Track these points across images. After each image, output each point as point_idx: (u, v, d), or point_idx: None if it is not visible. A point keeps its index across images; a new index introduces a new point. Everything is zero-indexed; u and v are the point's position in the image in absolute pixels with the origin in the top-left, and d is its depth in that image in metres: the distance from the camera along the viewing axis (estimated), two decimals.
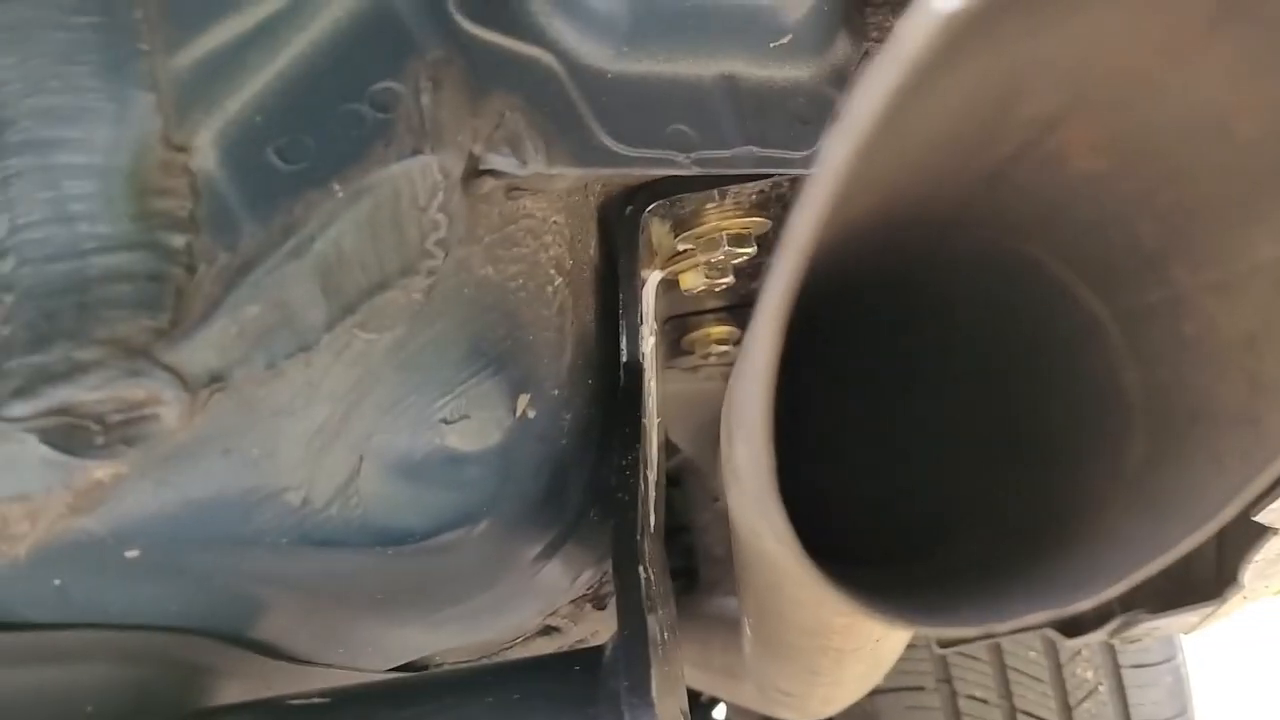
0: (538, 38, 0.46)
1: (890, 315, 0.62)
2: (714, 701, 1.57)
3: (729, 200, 0.57)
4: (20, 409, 0.37)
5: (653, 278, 0.61)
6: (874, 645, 0.57)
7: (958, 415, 0.57)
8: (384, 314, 0.43)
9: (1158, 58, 0.29)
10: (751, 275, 0.65)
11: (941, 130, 0.29)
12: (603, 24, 0.47)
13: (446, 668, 0.71)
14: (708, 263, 0.59)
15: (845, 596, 0.30)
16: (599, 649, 0.46)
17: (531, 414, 0.50)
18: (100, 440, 0.38)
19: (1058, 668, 1.29)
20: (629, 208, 0.56)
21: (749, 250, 0.58)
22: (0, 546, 0.39)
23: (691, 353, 0.72)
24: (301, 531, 0.44)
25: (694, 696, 1.45)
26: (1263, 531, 0.75)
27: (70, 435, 0.38)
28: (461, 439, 0.47)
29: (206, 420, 0.40)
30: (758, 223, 0.58)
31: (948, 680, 1.33)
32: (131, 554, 0.41)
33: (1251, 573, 0.80)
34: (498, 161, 0.44)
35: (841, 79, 0.53)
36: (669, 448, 0.87)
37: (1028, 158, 0.33)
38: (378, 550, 0.47)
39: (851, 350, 0.68)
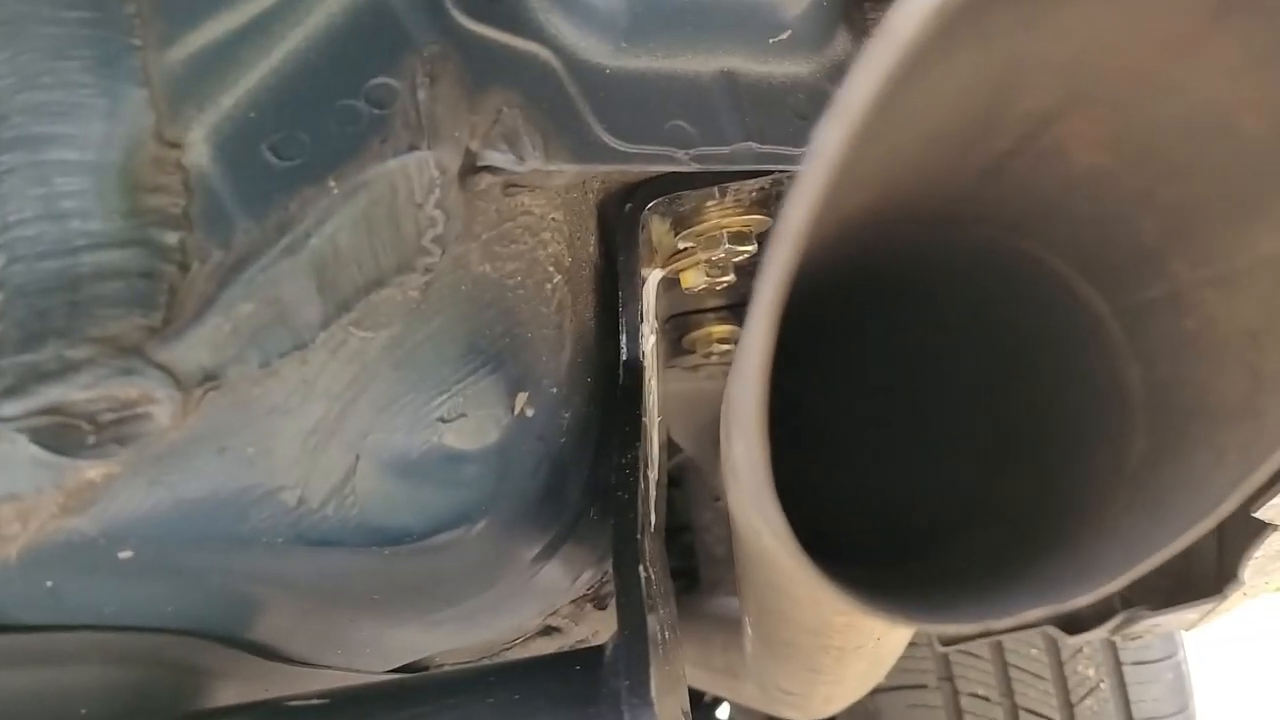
0: (535, 33, 0.46)
1: (890, 313, 0.62)
2: (717, 701, 1.57)
3: (729, 198, 0.57)
4: (11, 408, 0.37)
5: (653, 276, 0.60)
6: (875, 644, 0.57)
7: (958, 412, 0.57)
8: (380, 311, 0.43)
9: (1158, 52, 0.28)
10: (753, 273, 0.65)
11: (938, 123, 0.29)
12: (601, 20, 0.47)
13: (446, 668, 0.71)
14: (708, 261, 0.58)
15: (842, 593, 0.30)
16: (599, 648, 0.46)
17: (530, 412, 0.50)
18: (92, 439, 0.38)
19: (1059, 665, 1.29)
20: (628, 205, 0.56)
21: (750, 248, 0.57)
22: None
23: (693, 352, 0.72)
24: (297, 531, 0.43)
25: (697, 696, 1.45)
26: (1263, 528, 0.75)
27: (62, 434, 0.38)
28: (459, 437, 0.47)
29: (200, 419, 0.39)
30: (758, 220, 0.58)
31: (949, 678, 1.33)
32: (125, 554, 0.41)
33: (1252, 569, 0.79)
34: (495, 158, 0.44)
35: (841, 75, 0.53)
36: (670, 447, 0.87)
37: (1026, 152, 0.33)
38: (374, 550, 0.46)
39: (852, 349, 0.67)
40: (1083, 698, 1.28)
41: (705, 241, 0.58)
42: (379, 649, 0.60)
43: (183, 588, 0.44)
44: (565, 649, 0.81)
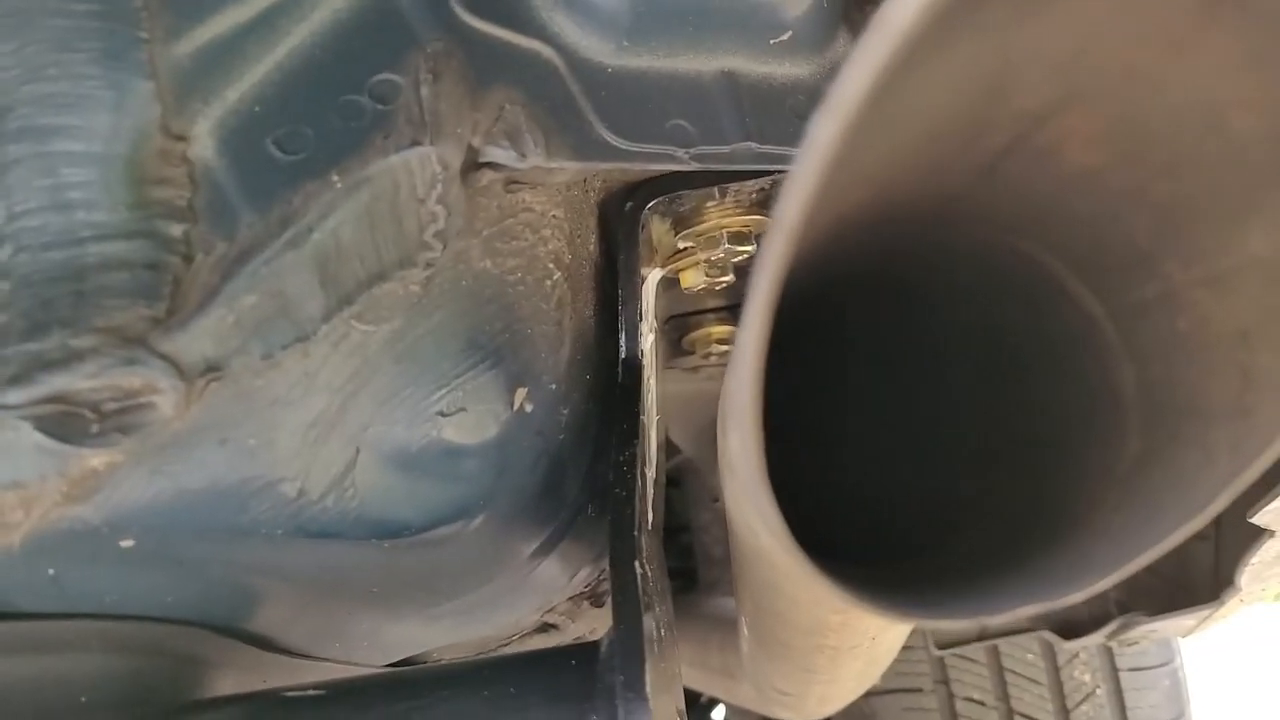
0: (538, 31, 0.47)
1: (885, 312, 0.62)
2: (713, 702, 1.57)
3: (729, 198, 0.57)
4: (16, 396, 0.37)
5: (653, 275, 0.61)
6: (870, 644, 0.57)
7: (951, 411, 0.57)
8: (381, 305, 0.43)
9: (1152, 51, 0.29)
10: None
11: (933, 122, 0.29)
12: (604, 19, 0.47)
13: (443, 662, 0.71)
14: (708, 260, 0.59)
15: (837, 588, 0.30)
16: (595, 644, 0.46)
17: (529, 408, 0.50)
18: (96, 428, 0.38)
19: (1055, 670, 1.29)
20: (629, 204, 0.56)
21: (749, 248, 0.58)
22: None
23: (692, 352, 0.72)
24: (297, 523, 0.43)
25: (693, 697, 1.45)
26: (1260, 534, 0.75)
27: (66, 423, 0.38)
28: (458, 432, 0.47)
29: (203, 409, 0.40)
30: (758, 221, 0.58)
31: (945, 682, 1.33)
32: (126, 543, 0.41)
33: (1249, 575, 0.80)
34: (497, 154, 0.44)
35: None
36: (669, 448, 0.87)
37: (1020, 151, 0.33)
38: (373, 543, 0.47)
39: (847, 347, 0.68)
40: (1079, 703, 1.28)
41: (705, 241, 0.58)
42: (377, 642, 0.60)
43: (183, 577, 0.45)
44: (560, 645, 0.81)
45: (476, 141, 0.44)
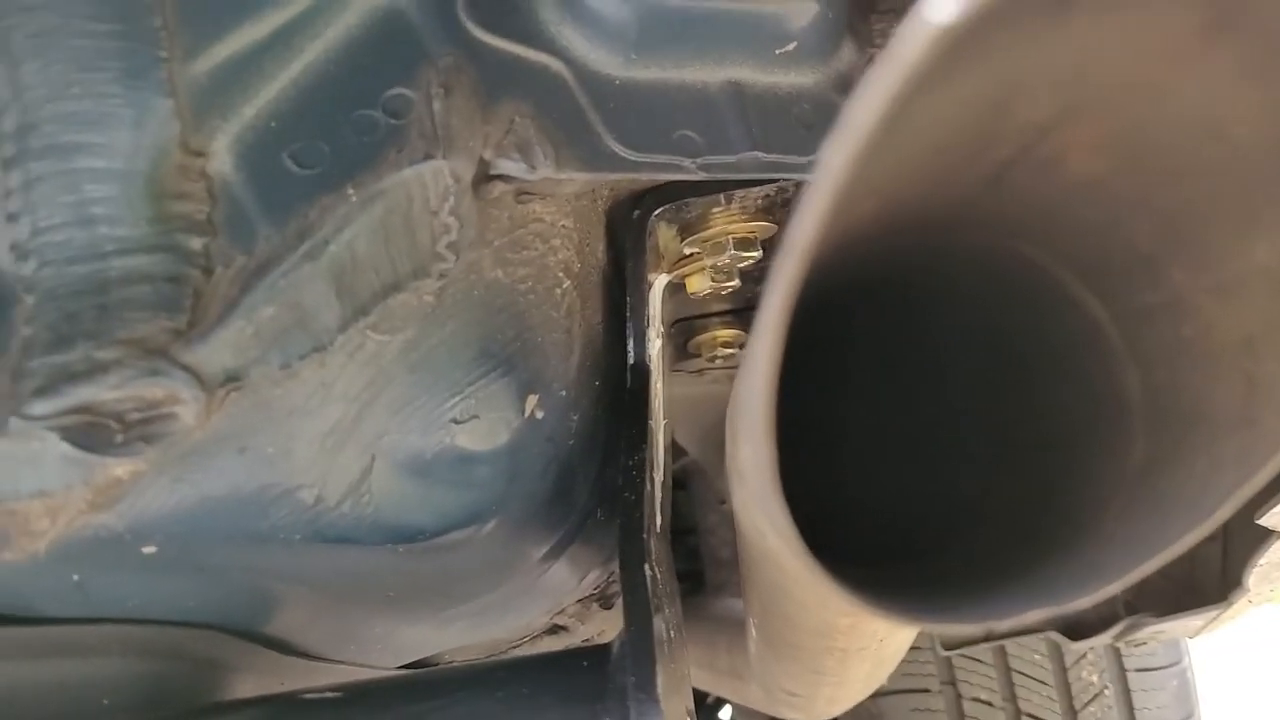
0: (547, 45, 0.47)
1: (889, 317, 0.62)
2: (720, 703, 1.58)
3: (735, 205, 0.58)
4: (42, 407, 0.38)
5: (659, 281, 0.61)
6: (878, 645, 0.57)
7: (958, 416, 0.57)
8: (396, 316, 0.44)
9: (1154, 65, 0.29)
10: (757, 279, 0.66)
11: (939, 135, 0.30)
12: (611, 31, 0.48)
13: (457, 663, 0.72)
14: (714, 266, 0.59)
15: (846, 593, 0.31)
16: (606, 646, 0.47)
17: (540, 415, 0.51)
18: (120, 438, 0.39)
19: (1063, 671, 1.29)
20: (636, 212, 0.57)
21: (755, 254, 0.58)
22: (21, 543, 0.40)
23: (698, 355, 0.73)
24: (315, 529, 0.44)
25: (700, 698, 1.45)
26: (1267, 535, 0.76)
27: (90, 433, 0.39)
28: (471, 439, 0.48)
29: (223, 419, 0.41)
30: (763, 227, 0.59)
31: (952, 683, 1.33)
32: (149, 550, 0.42)
33: (1256, 576, 0.80)
34: (508, 166, 0.45)
35: (846, 85, 0.54)
36: (675, 450, 0.88)
37: (1025, 161, 0.33)
38: (388, 548, 0.47)
39: (853, 353, 0.68)
40: (1086, 704, 1.28)
41: (711, 247, 0.59)
42: (391, 645, 0.61)
43: (203, 583, 0.46)
44: (572, 647, 0.82)
45: (488, 154, 0.45)
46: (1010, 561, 0.40)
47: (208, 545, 0.43)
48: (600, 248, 0.58)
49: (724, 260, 0.59)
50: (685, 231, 0.59)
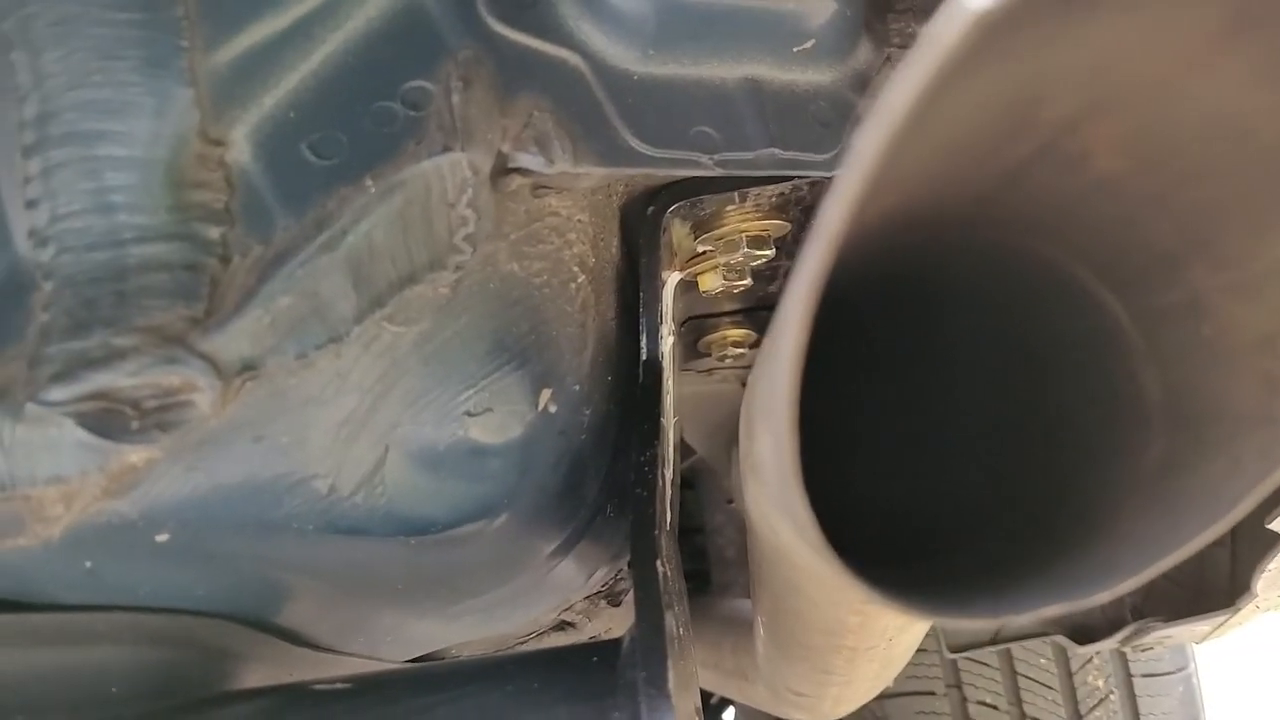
0: (566, 39, 0.47)
1: (908, 314, 0.62)
2: (724, 704, 1.57)
3: (749, 202, 0.58)
4: (59, 393, 0.38)
5: (672, 278, 0.61)
6: (887, 645, 0.57)
7: (974, 413, 0.57)
8: (412, 307, 0.44)
9: (1176, 64, 0.29)
10: (769, 278, 0.66)
11: (963, 130, 0.30)
12: (629, 27, 0.48)
13: (466, 657, 0.72)
14: (726, 264, 0.59)
15: (863, 585, 0.31)
16: (616, 641, 0.47)
17: (553, 409, 0.51)
18: (136, 425, 0.39)
19: (1068, 675, 1.29)
20: (651, 208, 0.57)
21: (768, 252, 0.58)
22: (35, 528, 0.40)
23: (708, 355, 0.73)
24: (328, 519, 0.44)
25: (705, 698, 1.45)
26: (1276, 539, 0.75)
27: (107, 420, 0.39)
28: (484, 431, 0.48)
29: (238, 408, 0.41)
30: (777, 225, 0.59)
31: (958, 685, 1.33)
32: (162, 538, 0.42)
33: (1265, 581, 0.80)
34: (525, 160, 0.45)
35: (863, 84, 0.54)
36: (683, 450, 0.88)
37: (1048, 158, 0.33)
38: (400, 539, 0.47)
39: (869, 349, 0.68)
40: (1092, 708, 1.28)
41: (724, 245, 0.59)
42: (400, 638, 0.61)
43: (215, 571, 0.46)
44: (582, 642, 0.82)
45: (506, 147, 0.45)
46: (1024, 559, 0.40)
47: (220, 533, 0.43)
48: (614, 243, 0.58)
49: (737, 258, 0.59)
50: (699, 229, 0.60)
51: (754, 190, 0.56)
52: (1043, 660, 1.29)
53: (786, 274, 0.66)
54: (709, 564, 1.20)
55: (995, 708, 1.31)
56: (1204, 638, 0.94)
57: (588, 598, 0.78)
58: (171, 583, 0.45)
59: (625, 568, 0.77)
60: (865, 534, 0.60)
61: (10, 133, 0.40)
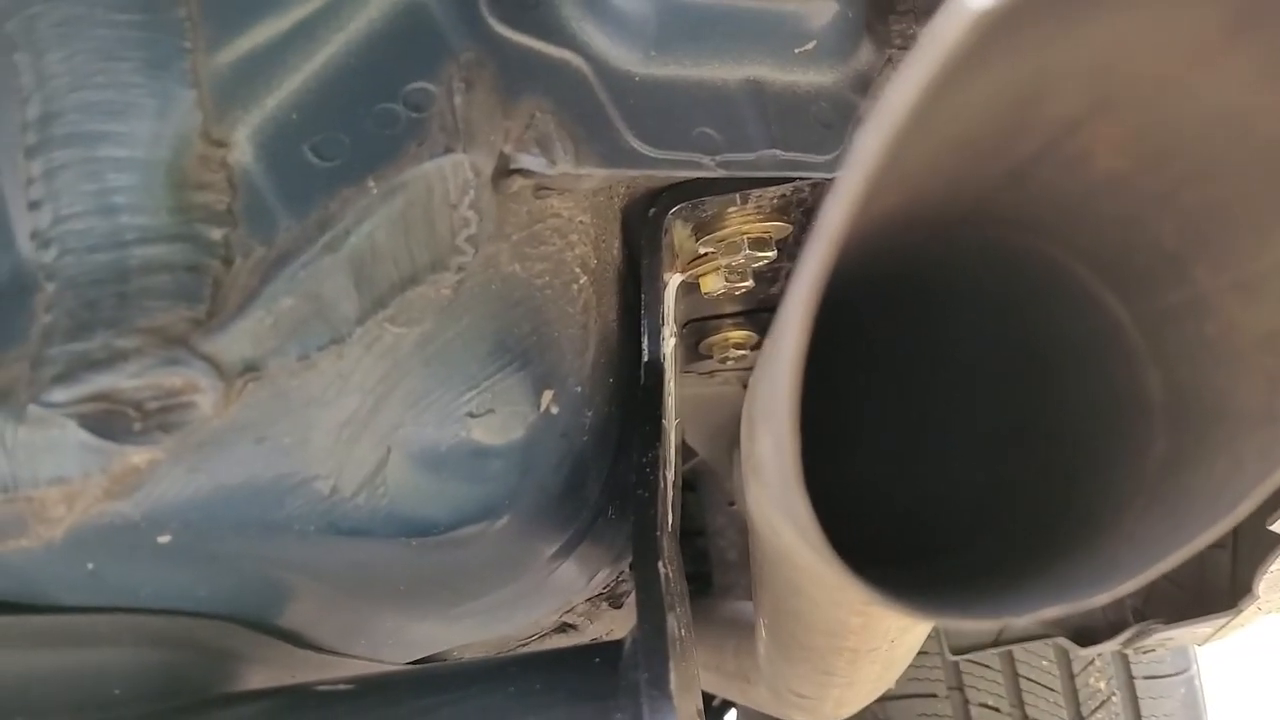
0: (568, 41, 0.47)
1: (909, 315, 0.62)
2: (725, 706, 1.57)
3: (750, 204, 0.58)
4: (61, 394, 0.38)
5: (674, 280, 0.61)
6: (889, 646, 0.57)
7: (976, 413, 0.57)
8: (414, 308, 0.44)
9: (1178, 62, 0.29)
10: (771, 280, 0.66)
11: (967, 129, 0.30)
12: (631, 28, 0.48)
13: (469, 659, 0.72)
14: (728, 266, 0.59)
15: (864, 587, 0.31)
16: (619, 643, 0.47)
17: (555, 410, 0.51)
18: (138, 426, 0.39)
19: (1070, 677, 1.29)
20: (652, 210, 0.57)
21: (769, 254, 0.58)
22: (38, 530, 0.40)
23: (709, 356, 0.73)
24: (329, 520, 0.44)
25: (706, 700, 1.45)
26: (1278, 542, 0.75)
27: (109, 421, 0.39)
28: (486, 433, 0.48)
29: (241, 409, 0.41)
30: (778, 227, 0.59)
31: (960, 688, 1.33)
32: (164, 539, 0.42)
33: (1266, 583, 0.79)
34: (527, 161, 0.45)
35: (864, 85, 0.54)
36: (685, 452, 0.88)
37: (1050, 157, 0.33)
38: (402, 541, 0.47)
39: (868, 349, 0.68)
40: (1094, 710, 1.28)
41: (726, 247, 0.59)
42: (401, 640, 0.61)
43: (217, 573, 0.46)
44: (584, 644, 0.82)
45: (508, 149, 0.45)
46: (1026, 560, 0.40)
47: (222, 534, 0.43)
48: (616, 245, 0.58)
49: (738, 260, 0.59)
50: (700, 230, 0.60)
51: (755, 192, 0.56)
52: (1045, 662, 1.29)
53: (788, 275, 0.66)
54: (710, 566, 1.20)
55: (997, 710, 1.31)
56: (1206, 639, 0.94)
57: (589, 599, 0.78)
58: (173, 584, 0.45)
59: (627, 569, 0.77)
60: (867, 535, 0.60)
61: (13, 134, 0.40)
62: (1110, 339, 0.39)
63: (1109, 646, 0.96)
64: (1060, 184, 0.35)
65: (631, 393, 0.58)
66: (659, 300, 0.58)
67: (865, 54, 0.54)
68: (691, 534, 1.21)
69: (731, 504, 1.17)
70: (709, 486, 1.20)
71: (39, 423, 0.38)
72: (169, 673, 0.47)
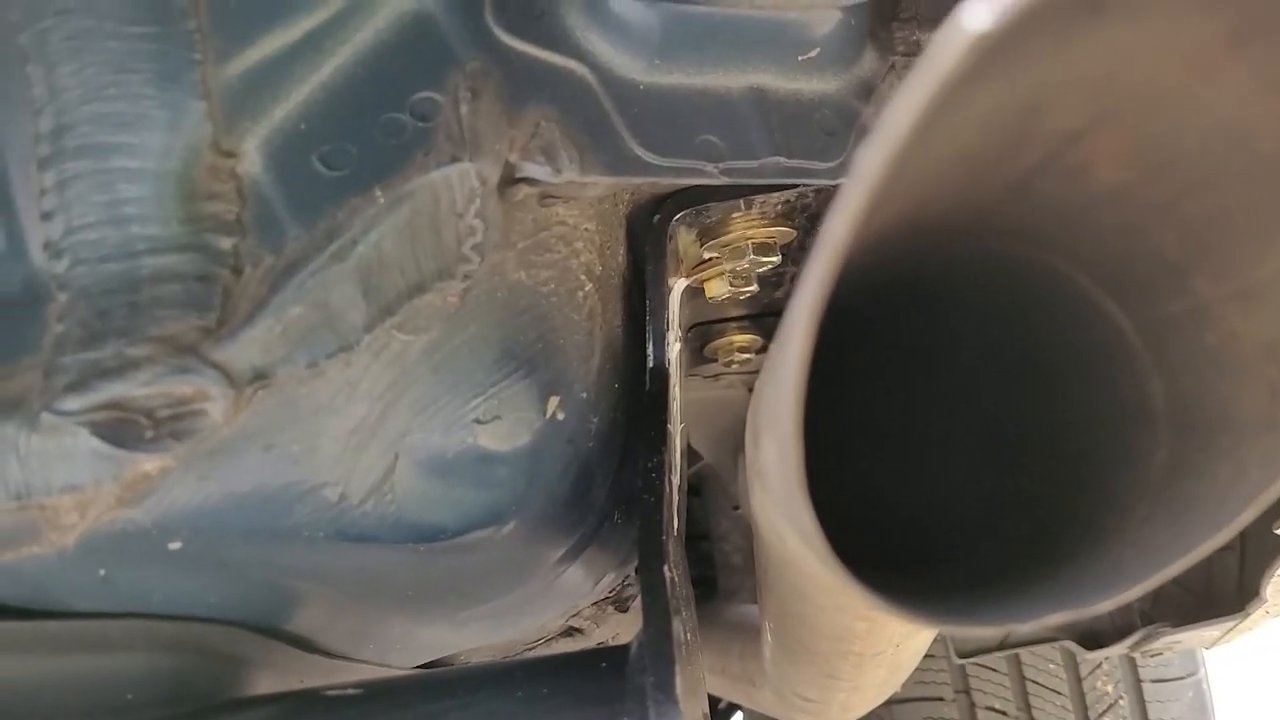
0: (573, 50, 0.48)
1: (913, 322, 0.63)
2: (731, 709, 1.57)
3: (755, 210, 0.58)
4: (73, 403, 0.39)
5: (678, 285, 0.62)
6: (894, 650, 0.58)
7: (980, 422, 0.57)
8: (421, 316, 0.44)
9: (1180, 75, 0.30)
10: (775, 284, 0.66)
11: (969, 141, 0.30)
12: (635, 37, 0.49)
13: (476, 663, 0.72)
14: (732, 271, 0.60)
15: (868, 592, 0.31)
16: (625, 647, 0.47)
17: (561, 416, 0.51)
18: (149, 434, 0.40)
19: (1078, 681, 1.28)
20: (657, 216, 0.57)
21: (773, 259, 0.59)
22: (50, 537, 0.41)
23: (714, 360, 0.73)
24: (338, 526, 0.45)
25: (712, 703, 1.45)
26: None
27: (121, 429, 0.39)
28: (493, 439, 0.48)
29: (250, 416, 0.41)
30: (782, 232, 0.59)
31: (966, 691, 1.32)
32: (174, 546, 0.43)
33: (1274, 587, 0.79)
34: (533, 170, 0.46)
35: (867, 92, 0.54)
36: (689, 456, 0.88)
37: (1052, 169, 0.34)
38: (410, 547, 0.48)
39: (873, 359, 0.68)
40: (1101, 714, 1.27)
41: (730, 252, 0.59)
42: (409, 645, 0.61)
43: (227, 579, 0.46)
44: (590, 648, 0.82)
45: (513, 157, 0.45)
46: (1031, 566, 0.40)
47: (232, 541, 0.44)
48: (621, 251, 0.59)
49: (743, 265, 0.59)
50: (705, 236, 0.60)
51: (759, 197, 0.57)
52: (1052, 666, 1.28)
53: (792, 280, 0.66)
54: (716, 570, 1.20)
55: (1004, 713, 1.31)
56: (1213, 643, 0.94)
57: (595, 604, 0.78)
58: (184, 590, 0.46)
59: (633, 573, 0.77)
60: (871, 541, 0.60)
61: (26, 146, 0.40)
62: (1113, 348, 0.39)
63: (1116, 650, 0.96)
64: (1062, 195, 0.35)
65: (637, 398, 0.58)
66: (664, 306, 0.58)
67: (868, 61, 0.54)
68: (696, 538, 1.21)
69: (736, 508, 1.17)
70: (714, 491, 1.20)
71: (52, 431, 0.39)
72: (180, 678, 0.48)
